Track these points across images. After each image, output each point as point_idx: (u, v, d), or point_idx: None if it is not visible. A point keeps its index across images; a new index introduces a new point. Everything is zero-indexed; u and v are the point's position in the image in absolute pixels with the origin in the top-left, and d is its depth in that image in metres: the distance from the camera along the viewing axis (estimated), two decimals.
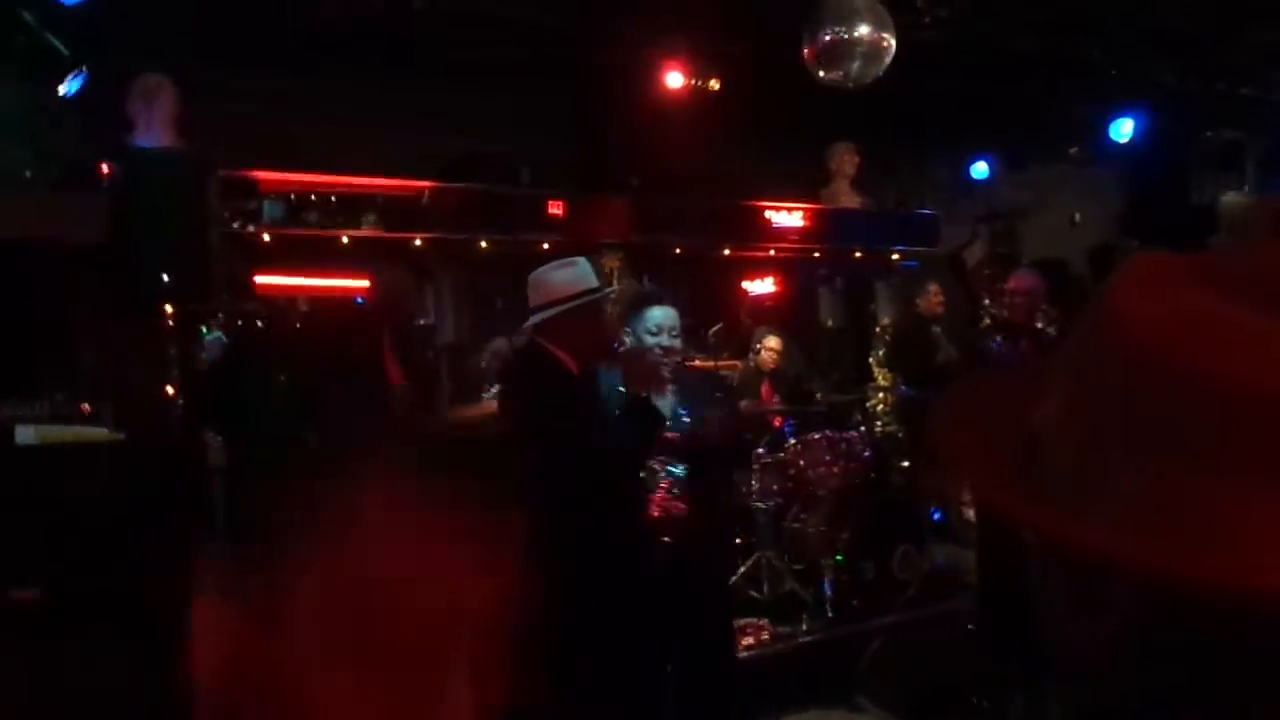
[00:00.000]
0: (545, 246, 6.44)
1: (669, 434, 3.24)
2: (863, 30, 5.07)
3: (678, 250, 7.59)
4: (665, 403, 3.20)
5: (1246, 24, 6.24)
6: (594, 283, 3.20)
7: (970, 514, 6.02)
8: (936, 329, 6.42)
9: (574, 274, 3.17)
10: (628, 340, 3.39)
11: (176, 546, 3.77)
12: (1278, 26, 6.26)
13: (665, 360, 3.23)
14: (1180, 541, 0.64)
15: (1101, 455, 0.69)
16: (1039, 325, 5.52)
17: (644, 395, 3.11)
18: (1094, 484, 0.69)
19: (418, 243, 6.51)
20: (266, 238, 6.09)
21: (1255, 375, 0.64)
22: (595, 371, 3.20)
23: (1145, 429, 0.67)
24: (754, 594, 5.44)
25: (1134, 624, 0.68)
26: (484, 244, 6.76)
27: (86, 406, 3.89)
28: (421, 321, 5.89)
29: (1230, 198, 8.37)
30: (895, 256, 8.17)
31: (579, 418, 3.01)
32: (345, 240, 6.28)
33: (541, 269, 3.23)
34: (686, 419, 3.34)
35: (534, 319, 3.19)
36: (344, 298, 5.98)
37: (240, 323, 5.59)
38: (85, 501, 3.61)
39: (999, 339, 5.46)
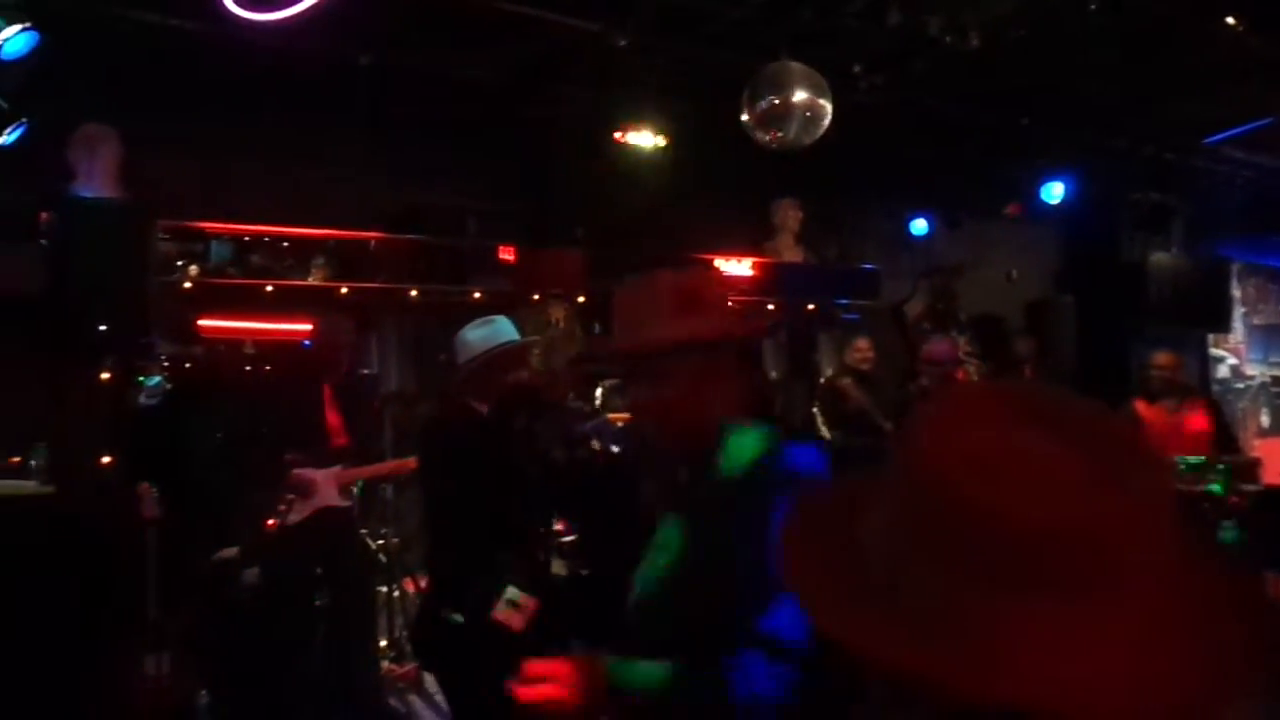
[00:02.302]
0: (477, 295, 6.51)
1: None
2: (800, 96, 5.23)
3: None
4: None
5: (1166, 97, 6.53)
6: (507, 338, 3.28)
7: None
8: (847, 379, 6.55)
9: (489, 331, 3.28)
10: None
11: (102, 602, 3.72)
12: (1193, 100, 6.58)
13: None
14: (965, 659, 0.73)
15: (907, 573, 0.77)
16: None
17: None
18: (902, 599, 0.77)
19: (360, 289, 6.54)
20: (213, 282, 6.08)
21: (1029, 509, 0.73)
22: (511, 421, 3.29)
23: (939, 553, 0.76)
24: None
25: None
26: (436, 294, 6.78)
27: (15, 459, 3.84)
28: (364, 372, 5.88)
29: (1159, 257, 8.69)
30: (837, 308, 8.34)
31: (487, 473, 3.09)
32: (292, 287, 6.29)
33: (463, 329, 3.32)
34: None
35: (457, 377, 3.27)
36: (289, 342, 5.95)
37: (184, 366, 5.50)
38: (8, 555, 3.56)
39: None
